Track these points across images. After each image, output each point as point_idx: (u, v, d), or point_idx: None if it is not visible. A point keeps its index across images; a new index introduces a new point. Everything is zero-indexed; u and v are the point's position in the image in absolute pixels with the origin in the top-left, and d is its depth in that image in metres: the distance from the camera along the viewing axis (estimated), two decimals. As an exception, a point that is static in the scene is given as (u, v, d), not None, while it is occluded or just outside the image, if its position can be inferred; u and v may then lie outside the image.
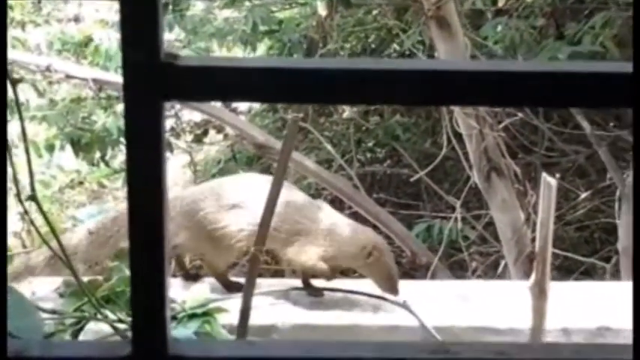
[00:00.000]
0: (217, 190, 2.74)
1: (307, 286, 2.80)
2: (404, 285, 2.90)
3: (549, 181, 2.05)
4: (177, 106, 6.84)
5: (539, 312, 2.13)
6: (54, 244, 2.38)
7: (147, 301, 0.62)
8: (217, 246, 2.63)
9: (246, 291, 2.43)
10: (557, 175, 6.64)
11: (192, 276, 2.85)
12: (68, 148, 6.59)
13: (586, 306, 2.73)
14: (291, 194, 2.78)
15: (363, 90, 0.60)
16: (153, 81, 0.60)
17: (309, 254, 2.67)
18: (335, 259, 2.71)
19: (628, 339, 2.67)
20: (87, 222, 2.73)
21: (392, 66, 0.62)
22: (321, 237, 2.68)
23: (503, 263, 5.64)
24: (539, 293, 2.11)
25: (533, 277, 2.15)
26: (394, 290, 2.66)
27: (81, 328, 2.47)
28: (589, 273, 5.95)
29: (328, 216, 2.77)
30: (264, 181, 2.76)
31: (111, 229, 2.76)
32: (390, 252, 2.74)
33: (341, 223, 2.77)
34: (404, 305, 2.67)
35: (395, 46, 7.37)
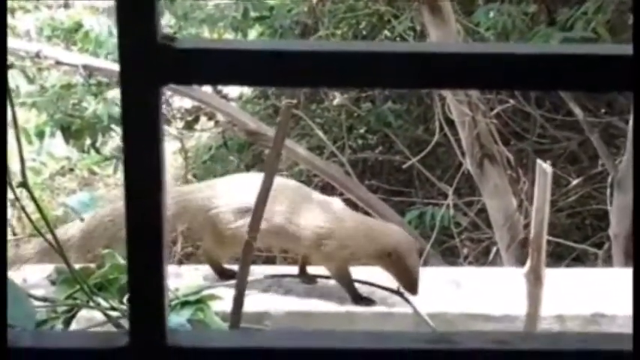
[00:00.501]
0: (233, 190, 2.69)
1: (302, 274, 2.78)
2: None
3: (545, 168, 2.04)
4: (168, 92, 6.81)
5: (534, 299, 2.12)
6: (45, 231, 2.36)
7: (145, 291, 0.61)
8: (225, 243, 2.59)
9: (240, 278, 2.41)
10: (549, 162, 6.61)
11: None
12: (58, 134, 6.55)
13: (580, 293, 2.72)
14: (308, 196, 2.74)
15: (367, 73, 0.58)
16: (149, 64, 0.58)
17: (337, 261, 2.65)
18: (358, 260, 2.68)
19: (623, 326, 2.68)
20: (78, 209, 2.70)
21: (395, 49, 0.60)
22: (345, 240, 2.65)
23: (495, 249, 5.64)
24: (535, 280, 2.10)
25: (528, 263, 2.14)
26: (413, 290, 2.61)
27: (73, 316, 2.45)
28: (581, 259, 5.96)
29: (348, 217, 2.73)
30: (282, 184, 2.74)
31: (108, 222, 2.73)
32: (415, 252, 2.66)
33: (362, 224, 2.73)
34: (397, 292, 2.66)
35: (386, 32, 7.35)
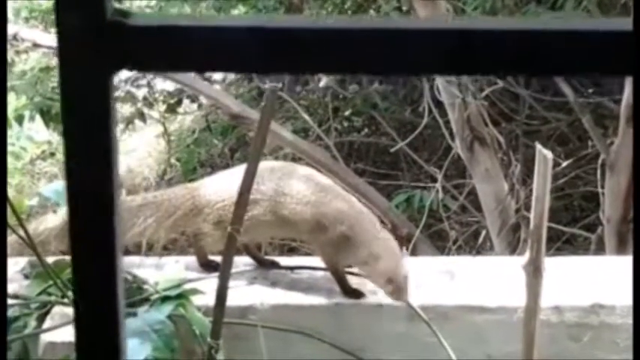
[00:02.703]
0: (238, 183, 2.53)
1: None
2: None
3: (545, 154, 1.92)
4: (150, 74, 6.67)
5: (533, 291, 2.01)
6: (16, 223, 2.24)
7: (95, 333, 0.48)
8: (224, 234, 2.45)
9: (223, 271, 2.30)
10: (538, 143, 6.51)
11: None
12: (38, 118, 6.42)
13: (577, 282, 2.62)
14: (304, 179, 2.61)
15: (384, 57, 0.46)
16: (96, 46, 0.45)
17: (335, 247, 2.53)
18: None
19: (623, 317, 2.56)
20: (54, 198, 2.58)
21: (405, 25, 0.48)
22: (345, 226, 2.53)
23: (484, 233, 5.54)
24: (534, 272, 2.00)
25: (527, 255, 2.03)
26: (399, 297, 2.46)
27: (47, 313, 2.34)
28: (570, 242, 5.88)
29: (348, 203, 2.61)
30: (290, 172, 2.63)
31: None
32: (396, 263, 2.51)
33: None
34: (388, 284, 2.55)
35: (372, 11, 7.22)
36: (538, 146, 1.99)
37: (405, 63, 0.50)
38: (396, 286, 2.44)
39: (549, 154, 1.94)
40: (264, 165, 2.61)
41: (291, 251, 5.49)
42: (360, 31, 0.47)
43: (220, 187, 2.62)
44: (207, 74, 7.02)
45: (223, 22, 0.46)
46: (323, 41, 0.46)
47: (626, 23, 0.59)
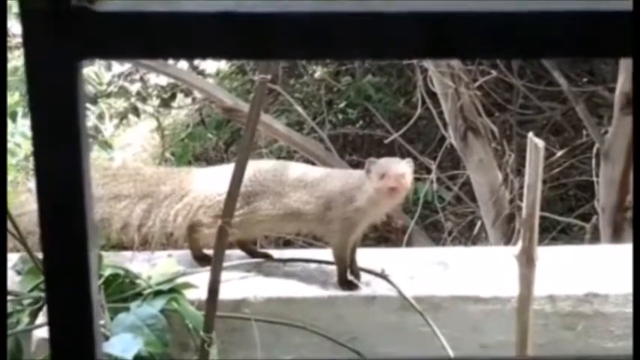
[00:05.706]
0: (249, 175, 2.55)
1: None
2: (380, 253, 2.79)
3: (536, 143, 1.92)
4: (143, 69, 6.65)
5: (526, 281, 2.01)
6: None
7: (68, 318, 0.48)
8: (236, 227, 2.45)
9: (215, 264, 2.29)
10: (532, 132, 6.51)
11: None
12: (31, 115, 6.41)
13: (571, 271, 2.61)
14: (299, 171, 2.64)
15: (355, 41, 0.45)
16: (62, 33, 0.44)
17: (342, 230, 2.58)
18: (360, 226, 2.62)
19: (617, 305, 2.56)
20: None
21: (381, 9, 0.47)
22: (345, 206, 2.59)
23: (479, 224, 5.54)
24: (527, 262, 1.99)
25: (520, 245, 2.02)
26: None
27: (39, 309, 2.33)
28: (566, 232, 5.87)
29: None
30: (284, 167, 2.63)
31: None
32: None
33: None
34: (382, 275, 2.54)
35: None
36: (530, 135, 1.99)
37: (381, 47, 0.49)
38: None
39: (541, 143, 1.93)
40: (258, 163, 2.62)
41: (287, 244, 5.48)
42: (332, 16, 0.46)
43: (219, 180, 2.61)
44: (201, 68, 7.00)
45: (192, 8, 0.45)
46: (294, 26, 0.45)
47: (625, 3, 0.58)
